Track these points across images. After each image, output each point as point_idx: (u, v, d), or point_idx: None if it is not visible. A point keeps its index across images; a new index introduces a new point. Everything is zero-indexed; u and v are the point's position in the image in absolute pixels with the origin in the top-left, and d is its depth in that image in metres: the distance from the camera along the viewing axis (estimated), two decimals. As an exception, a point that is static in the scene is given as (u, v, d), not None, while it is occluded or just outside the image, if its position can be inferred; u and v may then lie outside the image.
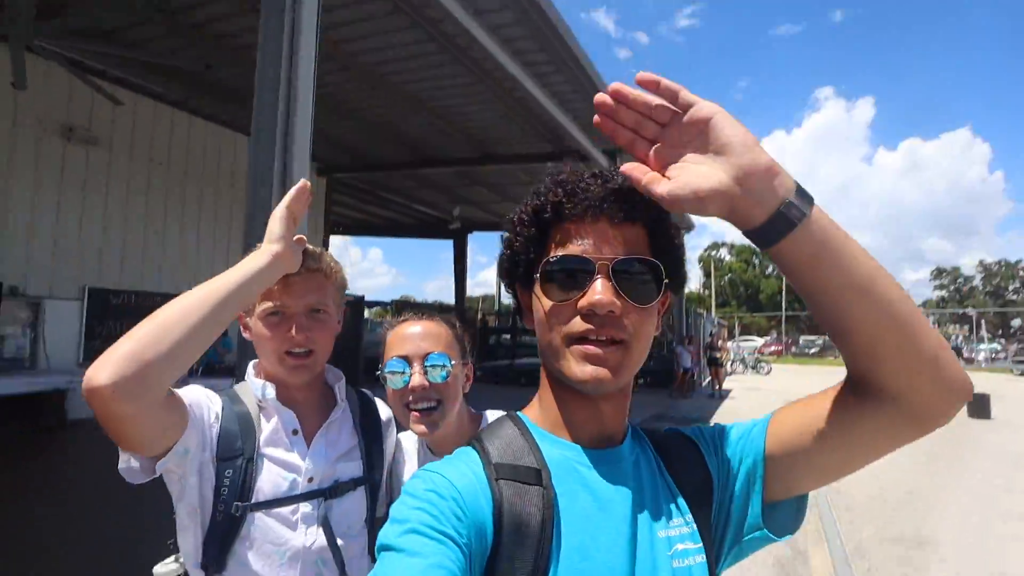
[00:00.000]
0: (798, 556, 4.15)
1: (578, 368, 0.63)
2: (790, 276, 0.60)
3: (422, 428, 1.08)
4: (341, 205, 14.57)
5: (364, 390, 1.27)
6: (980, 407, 11.04)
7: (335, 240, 16.85)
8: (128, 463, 0.88)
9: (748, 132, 0.55)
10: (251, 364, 1.13)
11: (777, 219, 0.55)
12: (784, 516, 0.70)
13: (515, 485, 0.61)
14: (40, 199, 7.29)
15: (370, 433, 1.18)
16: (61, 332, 7.49)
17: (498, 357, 16.42)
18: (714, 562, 0.68)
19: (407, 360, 1.08)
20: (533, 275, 0.68)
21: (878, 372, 0.60)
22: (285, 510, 1.03)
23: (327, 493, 1.07)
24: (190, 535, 1.01)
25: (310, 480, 1.06)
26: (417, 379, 1.07)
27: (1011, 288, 63.21)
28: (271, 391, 1.07)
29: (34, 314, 7.25)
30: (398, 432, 1.27)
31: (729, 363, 22.64)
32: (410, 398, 1.08)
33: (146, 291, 8.38)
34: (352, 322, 14.01)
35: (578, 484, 0.64)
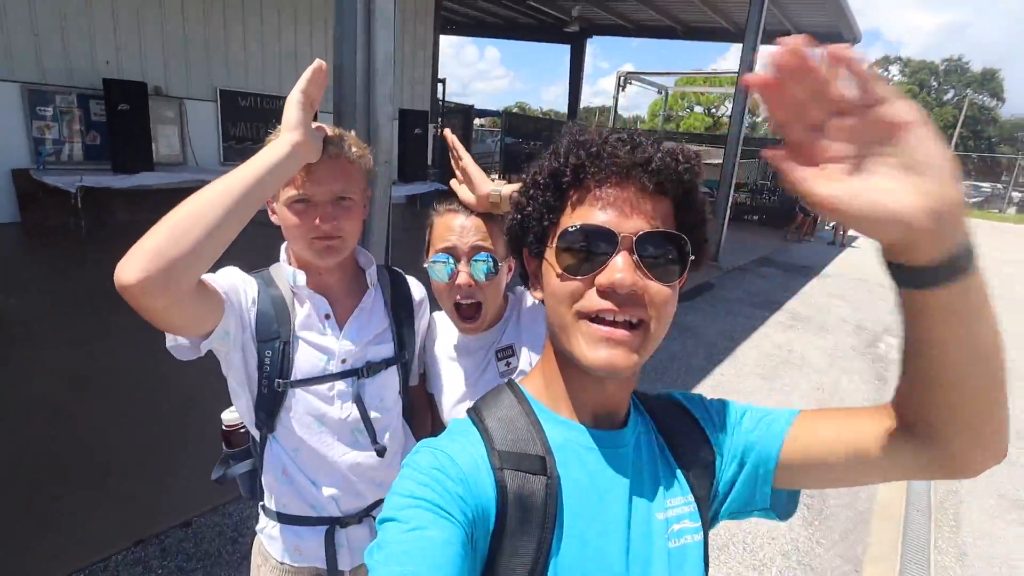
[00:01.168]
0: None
1: (590, 351, 0.59)
2: (914, 321, 0.52)
3: (470, 326, 1.12)
4: (453, 1, 13.54)
5: (398, 269, 1.29)
6: None
7: (448, 40, 16.01)
8: (175, 342, 0.95)
9: (949, 153, 0.44)
10: (283, 247, 1.15)
11: (947, 264, 0.46)
12: (786, 502, 0.71)
13: (519, 475, 0.60)
14: (167, 2, 7.41)
15: (401, 314, 1.22)
16: (202, 132, 8.17)
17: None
18: (708, 537, 0.69)
19: (453, 254, 1.08)
20: (546, 243, 0.64)
21: (945, 426, 0.56)
22: (322, 387, 1.11)
23: (360, 372, 1.14)
24: (242, 400, 1.13)
25: (343, 361, 1.13)
26: (464, 277, 1.07)
27: None
28: (302, 278, 1.10)
29: (179, 115, 7.90)
30: (433, 311, 1.32)
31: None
32: (457, 296, 1.09)
33: (269, 94, 8.72)
34: (463, 131, 13.98)
35: (580, 469, 0.63)
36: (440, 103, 13.05)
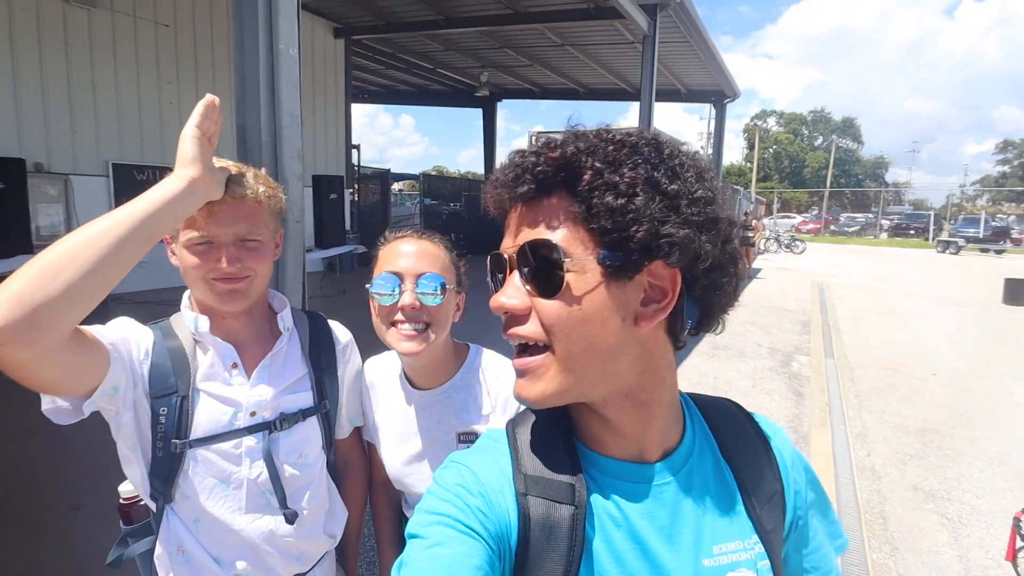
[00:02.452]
0: (800, 440, 4.32)
1: (515, 383, 0.58)
2: None
3: (409, 346, 1.01)
4: (364, 71, 13.89)
5: (319, 313, 1.21)
6: (1018, 293, 10.71)
7: (362, 108, 16.25)
8: (53, 403, 0.84)
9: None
10: (185, 294, 1.06)
11: None
12: None
13: (544, 503, 0.55)
14: (48, 68, 7.06)
15: (322, 360, 1.13)
16: (92, 210, 7.65)
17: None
18: None
19: (399, 276, 1.02)
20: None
21: None
22: (227, 444, 1.00)
23: (272, 426, 1.03)
24: (135, 467, 1.00)
25: (252, 414, 1.02)
26: (408, 297, 1.01)
27: (1084, 165, 58.17)
28: (205, 324, 1.01)
29: (64, 192, 7.38)
30: (372, 357, 1.24)
31: (763, 241, 22.16)
32: (397, 316, 1.02)
33: (168, 166, 8.34)
34: (380, 197, 14.03)
35: (609, 504, 0.58)
36: (356, 168, 13.09)
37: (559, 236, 0.53)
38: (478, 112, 17.39)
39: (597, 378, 0.55)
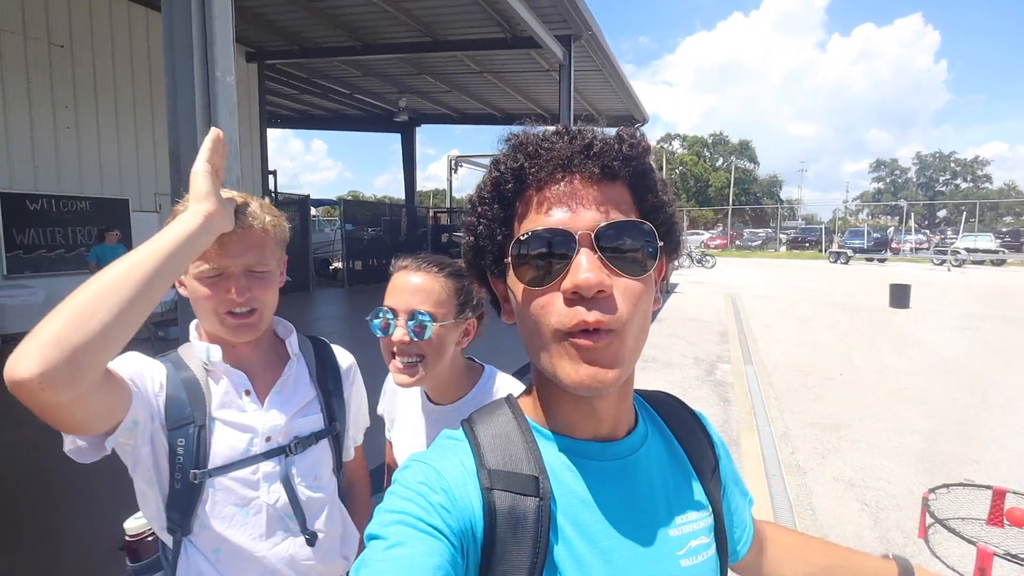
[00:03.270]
0: (730, 443, 4.57)
1: (572, 370, 0.53)
2: None
3: (402, 378, 1.08)
4: (277, 95, 13.48)
5: (321, 338, 1.23)
6: (900, 297, 11.96)
7: (273, 133, 15.70)
8: (74, 444, 0.83)
9: None
10: (192, 324, 1.07)
11: None
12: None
13: (510, 496, 0.55)
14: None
15: (328, 383, 1.16)
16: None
17: (452, 256, 16.38)
18: (726, 553, 0.67)
19: (393, 312, 1.08)
20: (504, 260, 0.59)
21: None
22: (245, 471, 1.02)
23: (287, 450, 1.06)
24: (151, 502, 1.00)
25: (268, 439, 1.04)
26: (399, 333, 1.06)
27: (941, 180, 66.49)
28: (217, 353, 1.02)
29: (-60, 224, 6.60)
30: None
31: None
32: (394, 349, 1.08)
33: (66, 195, 7.68)
34: (299, 223, 13.56)
35: (579, 486, 0.59)
36: (273, 195, 12.59)
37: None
38: (392, 136, 17.32)
39: (638, 354, 0.58)
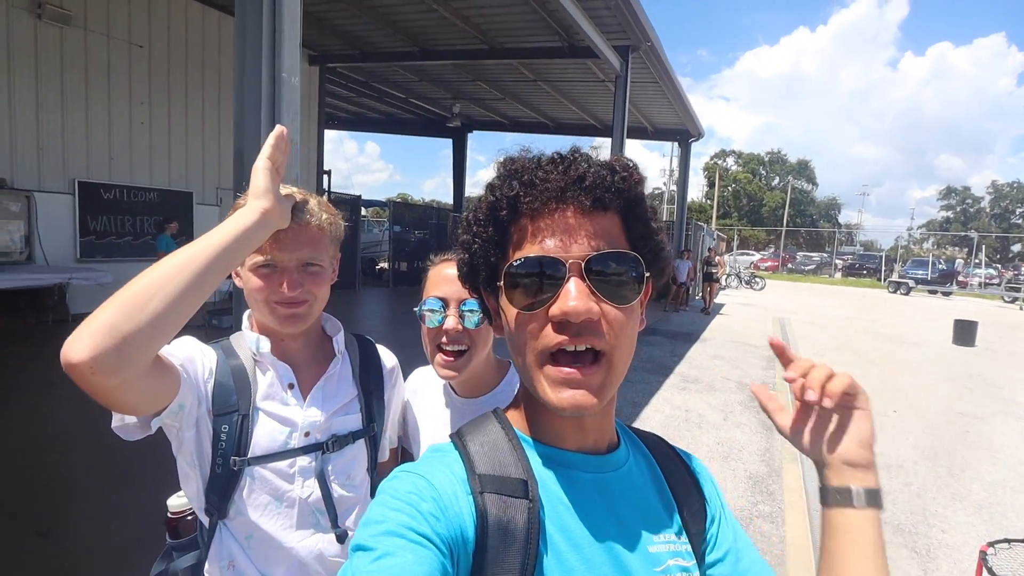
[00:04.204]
0: (772, 474, 4.38)
1: (554, 394, 0.57)
2: (824, 534, 0.64)
3: (448, 372, 1.10)
4: (335, 97, 13.92)
5: (368, 338, 1.25)
6: (966, 334, 11.26)
7: (329, 134, 16.22)
8: (123, 421, 0.86)
9: (873, 433, 0.64)
10: (245, 315, 1.10)
11: (835, 492, 0.62)
12: None
13: (500, 499, 0.57)
14: (16, 84, 6.85)
15: (371, 384, 1.17)
16: (56, 227, 7.38)
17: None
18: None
19: (444, 301, 1.09)
20: (496, 281, 0.62)
21: None
22: (282, 463, 1.03)
23: (324, 447, 1.07)
24: (192, 483, 1.03)
25: (306, 435, 1.05)
26: (452, 322, 1.08)
27: (1018, 212, 62.48)
28: (266, 345, 1.04)
29: (26, 208, 7.10)
30: (421, 367, 1.30)
31: (724, 277, 22.80)
32: (443, 339, 1.09)
33: (137, 186, 8.15)
34: (351, 223, 13.90)
35: (566, 494, 0.61)
36: (326, 194, 12.98)
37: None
38: (443, 141, 17.62)
39: (621, 378, 0.60)
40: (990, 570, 2.86)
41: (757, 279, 23.23)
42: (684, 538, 0.66)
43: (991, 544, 3.11)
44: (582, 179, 0.57)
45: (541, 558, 0.56)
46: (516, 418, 0.67)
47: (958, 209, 66.02)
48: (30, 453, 3.76)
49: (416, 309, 1.12)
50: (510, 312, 0.60)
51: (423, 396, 1.26)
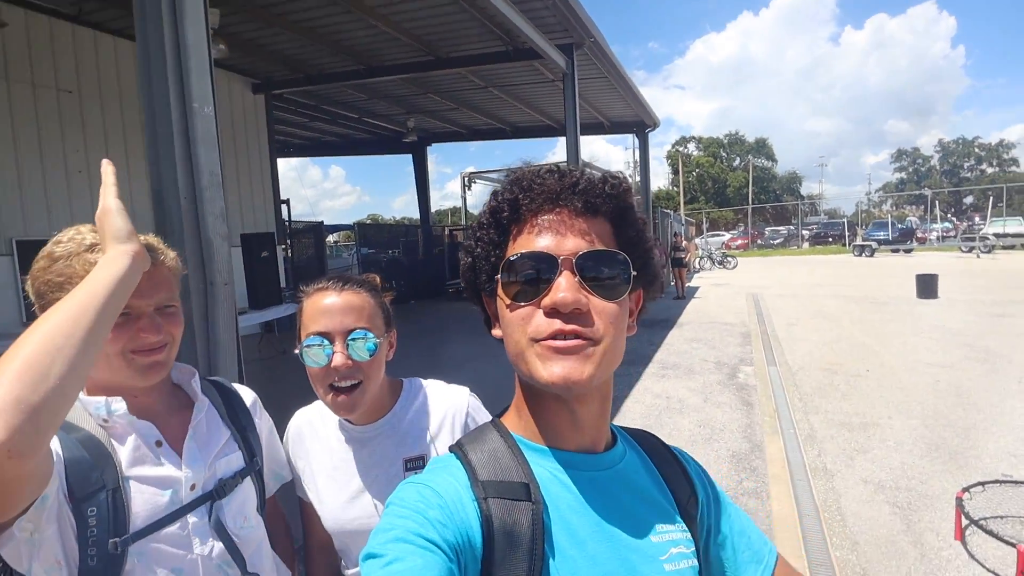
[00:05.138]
0: (755, 449, 4.40)
1: (544, 368, 0.59)
2: None
3: (347, 413, 1.05)
4: (287, 124, 13.73)
5: (218, 379, 1.18)
6: (928, 288, 11.57)
7: (288, 162, 16.00)
8: None
9: None
10: None
11: None
12: None
13: (504, 503, 0.59)
14: (-60, 142, 6.58)
15: (240, 420, 1.11)
16: (-2, 290, 7.08)
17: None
18: (702, 565, 0.69)
19: (327, 336, 1.02)
20: (496, 280, 0.65)
21: None
22: (172, 528, 0.93)
23: (213, 495, 0.99)
24: None
25: (192, 487, 0.96)
26: (340, 358, 1.01)
27: (966, 166, 64.72)
28: (120, 405, 0.92)
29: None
30: (300, 408, 1.23)
31: (697, 260, 23.05)
32: (334, 378, 1.01)
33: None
34: (315, 250, 13.71)
35: (568, 494, 0.63)
36: (287, 223, 12.78)
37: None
38: (408, 158, 17.49)
39: (611, 369, 0.63)
40: (966, 514, 2.91)
41: (729, 259, 23.58)
42: (682, 525, 0.69)
43: (966, 489, 3.17)
44: (575, 184, 0.63)
45: (547, 558, 0.59)
46: (513, 423, 0.69)
47: (911, 170, 68.20)
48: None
49: (296, 351, 1.04)
50: (506, 304, 0.63)
51: (310, 438, 1.18)
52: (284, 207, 12.44)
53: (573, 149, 9.11)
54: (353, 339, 1.01)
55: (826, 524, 3.23)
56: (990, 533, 2.74)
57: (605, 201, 0.63)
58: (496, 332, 0.69)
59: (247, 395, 1.18)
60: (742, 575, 0.72)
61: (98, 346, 0.73)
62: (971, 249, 24.14)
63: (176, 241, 2.33)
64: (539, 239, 0.62)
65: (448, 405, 1.15)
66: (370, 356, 1.03)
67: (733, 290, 15.44)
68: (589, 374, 0.59)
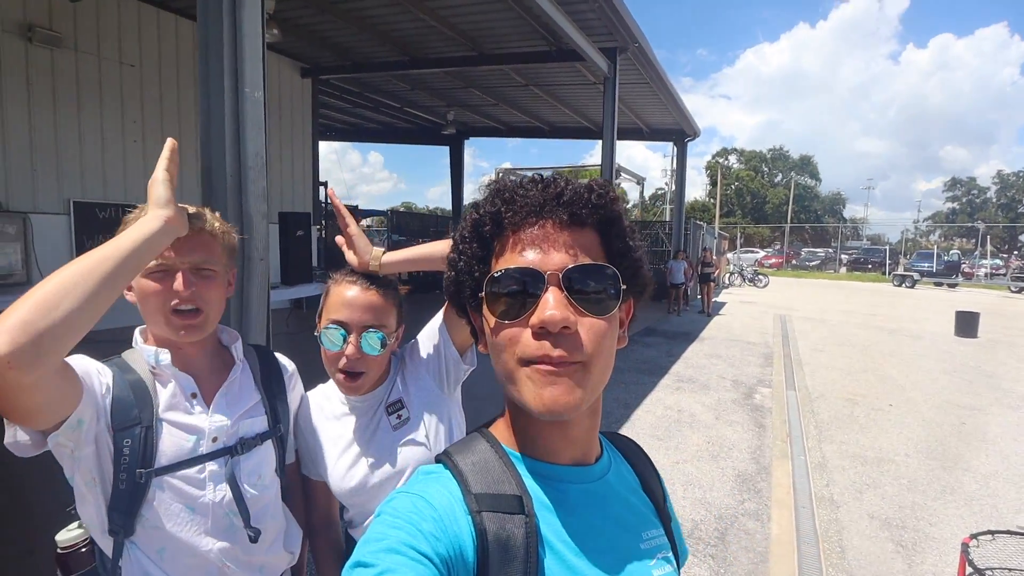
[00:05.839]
0: (761, 471, 4.36)
1: (533, 395, 0.58)
2: None
3: (351, 393, 1.18)
4: (330, 108, 14.01)
5: (264, 346, 1.29)
6: (967, 326, 11.16)
7: (330, 145, 16.29)
8: (15, 437, 0.87)
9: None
10: (137, 330, 1.12)
11: None
12: None
13: (498, 516, 0.59)
14: (8, 107, 6.95)
15: (272, 387, 1.21)
16: (52, 248, 7.46)
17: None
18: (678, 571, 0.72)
19: (345, 327, 1.12)
20: (480, 294, 0.64)
21: None
22: (192, 470, 1.05)
23: (233, 450, 1.10)
24: (91, 505, 1.01)
25: (214, 440, 1.08)
26: (351, 349, 1.12)
27: (1024, 201, 61.79)
28: (166, 356, 1.06)
29: (23, 230, 7.17)
30: (319, 385, 1.33)
31: (727, 275, 22.66)
32: (342, 363, 1.13)
33: (132, 204, 8.11)
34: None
35: (560, 505, 0.63)
36: (323, 205, 13.06)
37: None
38: (444, 149, 17.65)
39: (601, 387, 0.62)
40: (971, 562, 2.84)
41: (760, 276, 23.11)
42: (661, 530, 0.71)
43: (974, 536, 3.09)
44: (560, 195, 0.61)
45: (541, 573, 0.58)
46: (503, 434, 0.68)
47: (964, 200, 65.41)
48: None
49: (316, 333, 1.15)
50: (491, 323, 0.61)
51: (318, 417, 1.28)
52: (322, 189, 12.73)
53: (608, 153, 9.09)
54: (367, 335, 1.12)
55: (824, 554, 3.20)
56: (992, 583, 2.67)
57: (592, 212, 0.61)
58: (482, 347, 0.68)
59: (287, 366, 1.29)
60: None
61: (115, 291, 0.85)
62: (1020, 290, 23.11)
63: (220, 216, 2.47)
64: (524, 254, 0.60)
65: (425, 382, 1.27)
66: (378, 351, 1.13)
67: (760, 309, 15.16)
68: (577, 400, 0.58)
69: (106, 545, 1.03)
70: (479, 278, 0.63)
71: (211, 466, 1.07)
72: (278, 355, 1.29)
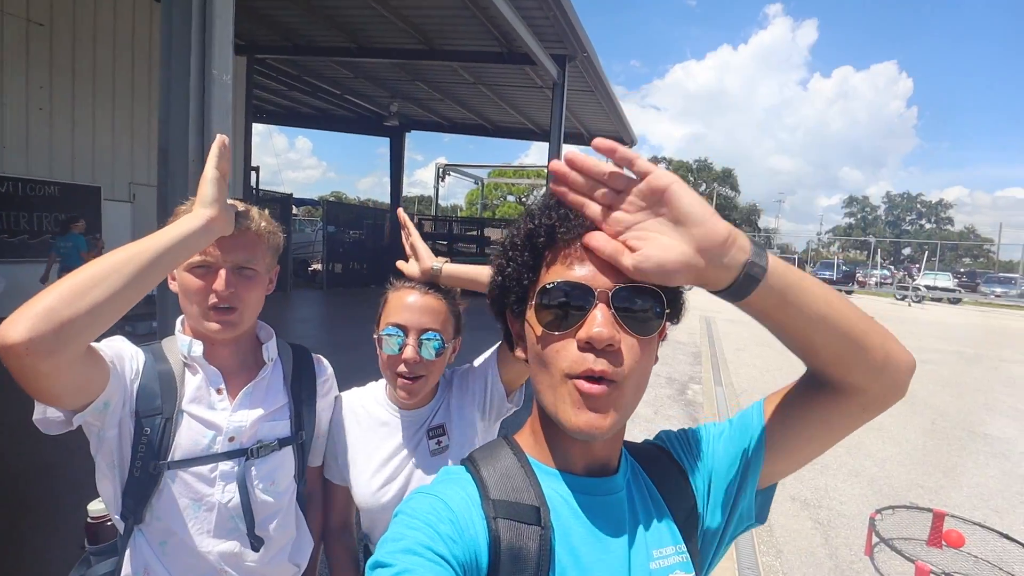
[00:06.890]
0: (695, 459, 4.70)
1: (573, 415, 0.60)
2: (760, 319, 0.63)
3: (407, 397, 1.15)
4: (264, 89, 13.40)
5: (303, 346, 1.26)
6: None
7: (257, 127, 15.52)
8: (44, 414, 0.87)
9: (704, 202, 0.57)
10: (179, 319, 1.11)
11: (742, 280, 0.57)
12: (763, 504, 0.76)
13: (513, 525, 0.60)
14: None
15: (302, 392, 1.18)
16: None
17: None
18: None
19: (404, 329, 1.11)
20: (527, 303, 0.66)
21: (843, 378, 0.66)
22: (203, 467, 1.03)
23: (249, 453, 1.07)
24: (109, 485, 1.02)
25: (231, 439, 1.06)
26: (411, 351, 1.11)
27: (908, 219, 68.93)
28: (198, 348, 1.05)
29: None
30: (353, 389, 1.30)
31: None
32: (400, 367, 1.12)
33: (34, 179, 7.42)
34: (282, 222, 13.39)
35: (575, 519, 0.64)
36: (255, 191, 12.49)
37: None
38: (379, 140, 17.50)
39: (633, 408, 0.64)
40: (877, 533, 3.26)
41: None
42: (682, 546, 0.69)
43: (878, 511, 3.53)
44: None
45: None
46: (527, 444, 0.69)
47: (859, 216, 72.13)
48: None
49: (375, 335, 1.14)
50: (537, 332, 0.62)
51: (356, 420, 1.24)
52: (253, 173, 12.16)
53: (553, 156, 9.33)
54: (426, 338, 1.11)
55: (755, 533, 3.52)
56: (895, 550, 3.08)
57: None
58: (520, 353, 0.69)
59: (324, 370, 1.24)
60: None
61: (146, 285, 0.83)
62: (904, 297, 25.79)
63: (176, 201, 2.35)
64: (575, 268, 0.61)
65: (460, 378, 1.27)
66: (435, 356, 1.12)
67: (687, 311, 15.98)
68: (611, 425, 0.59)
69: (120, 525, 1.03)
70: (527, 286, 0.66)
71: (223, 465, 1.05)
72: (317, 356, 1.25)
